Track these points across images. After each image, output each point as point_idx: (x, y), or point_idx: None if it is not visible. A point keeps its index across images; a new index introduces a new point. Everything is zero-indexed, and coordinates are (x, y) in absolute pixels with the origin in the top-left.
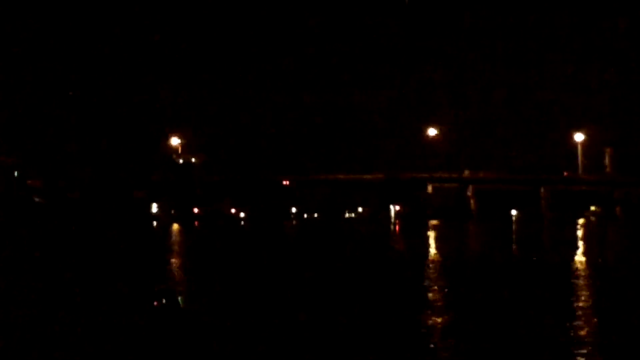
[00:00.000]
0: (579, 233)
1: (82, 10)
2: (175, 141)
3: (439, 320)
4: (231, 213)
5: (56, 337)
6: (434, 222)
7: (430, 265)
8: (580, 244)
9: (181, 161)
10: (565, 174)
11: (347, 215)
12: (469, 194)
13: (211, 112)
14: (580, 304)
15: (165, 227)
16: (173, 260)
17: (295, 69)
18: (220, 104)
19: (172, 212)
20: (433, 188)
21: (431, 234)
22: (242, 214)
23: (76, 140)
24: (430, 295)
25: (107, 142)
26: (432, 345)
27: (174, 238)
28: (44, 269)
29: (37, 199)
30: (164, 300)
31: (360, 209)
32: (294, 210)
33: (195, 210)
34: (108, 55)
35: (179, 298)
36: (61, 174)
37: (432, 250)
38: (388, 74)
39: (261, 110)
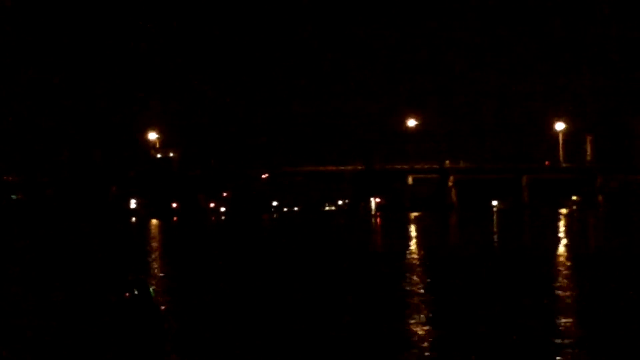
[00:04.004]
0: (562, 223)
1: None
2: (152, 136)
3: (424, 319)
4: (210, 207)
5: (30, 330)
6: (414, 214)
7: (413, 261)
8: (563, 234)
9: (159, 156)
10: (546, 163)
11: (327, 207)
12: (449, 184)
13: (189, 106)
14: (565, 297)
15: (143, 223)
16: (150, 254)
17: (280, 73)
18: (198, 98)
19: (151, 207)
20: (413, 179)
21: (413, 227)
22: (221, 208)
23: (53, 137)
24: (413, 291)
25: (84, 137)
26: (417, 343)
27: (152, 233)
28: (21, 264)
29: (14, 196)
30: (135, 292)
31: (340, 202)
32: (274, 203)
33: (174, 205)
34: (86, 54)
35: (151, 289)
36: (38, 170)
37: (414, 244)
38: (374, 80)
39: (239, 104)
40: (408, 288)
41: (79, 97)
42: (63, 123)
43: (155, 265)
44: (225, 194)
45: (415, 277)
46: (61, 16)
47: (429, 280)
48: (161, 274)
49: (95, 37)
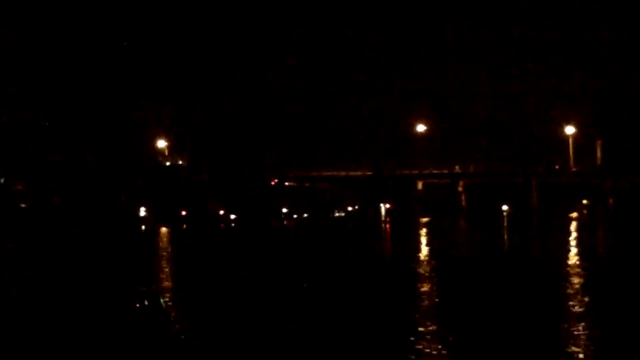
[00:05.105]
0: (571, 227)
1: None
2: (161, 143)
3: (433, 326)
4: (219, 214)
5: (42, 338)
6: (424, 219)
7: (422, 267)
8: (572, 238)
9: (168, 163)
10: (556, 166)
11: (336, 213)
12: (459, 189)
13: (196, 113)
14: (576, 303)
15: (153, 230)
16: (160, 262)
17: (284, 77)
18: (206, 104)
19: (160, 215)
20: (423, 184)
21: (422, 232)
22: (231, 215)
23: (60, 144)
24: (422, 298)
25: (92, 145)
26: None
27: (161, 241)
28: (31, 272)
29: (22, 205)
30: (146, 302)
31: (349, 208)
32: (284, 210)
33: (183, 212)
34: (91, 60)
35: (161, 299)
36: (46, 178)
37: (425, 250)
38: (372, 84)
39: (244, 110)
40: (418, 294)
41: (86, 104)
42: (70, 130)
43: (165, 274)
44: (234, 201)
45: (424, 283)
46: (69, 20)
47: (438, 286)
48: (172, 283)
49: (104, 44)
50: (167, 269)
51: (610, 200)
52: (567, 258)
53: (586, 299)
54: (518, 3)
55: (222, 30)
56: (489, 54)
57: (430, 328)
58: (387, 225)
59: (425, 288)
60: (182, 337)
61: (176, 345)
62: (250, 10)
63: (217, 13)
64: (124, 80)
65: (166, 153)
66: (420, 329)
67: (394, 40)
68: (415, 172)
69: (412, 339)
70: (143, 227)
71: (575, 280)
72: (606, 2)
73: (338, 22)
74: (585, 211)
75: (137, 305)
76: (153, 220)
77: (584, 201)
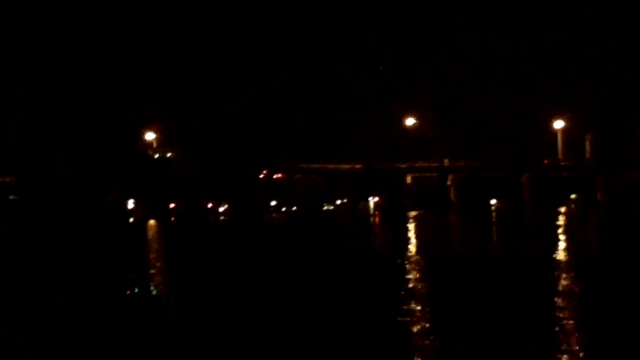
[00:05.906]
0: (561, 221)
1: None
2: (150, 135)
3: (423, 323)
4: (208, 207)
5: (34, 327)
6: (413, 212)
7: (412, 261)
8: (562, 233)
9: (157, 156)
10: (545, 161)
11: (325, 207)
12: (448, 183)
13: (187, 105)
14: (564, 299)
15: (141, 223)
16: (148, 253)
17: (276, 72)
18: (196, 98)
19: (148, 207)
20: (412, 178)
21: (411, 226)
22: (220, 208)
23: (49, 136)
24: (412, 293)
25: (81, 137)
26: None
27: (150, 233)
28: (20, 263)
29: (11, 197)
30: (136, 289)
31: (338, 201)
32: (273, 203)
33: (172, 205)
34: (83, 53)
35: (151, 287)
36: (35, 171)
37: (414, 243)
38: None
39: (237, 102)
40: (406, 289)
41: (75, 96)
42: (59, 122)
43: (155, 264)
44: (224, 194)
45: (413, 279)
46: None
47: (426, 282)
48: (160, 273)
49: (92, 37)
50: (155, 260)
51: (599, 195)
52: (556, 253)
53: (581, 298)
54: (515, 3)
55: (221, 30)
56: (486, 54)
57: (422, 326)
58: (377, 219)
59: (413, 284)
60: (167, 321)
61: (166, 331)
62: (248, 11)
63: (217, 14)
64: (123, 78)
65: (155, 145)
66: (412, 327)
67: (392, 40)
68: (405, 165)
69: (405, 341)
70: (131, 219)
71: (565, 276)
72: (606, 2)
73: (337, 22)
74: (573, 206)
75: (128, 292)
76: (141, 213)
77: (573, 195)
